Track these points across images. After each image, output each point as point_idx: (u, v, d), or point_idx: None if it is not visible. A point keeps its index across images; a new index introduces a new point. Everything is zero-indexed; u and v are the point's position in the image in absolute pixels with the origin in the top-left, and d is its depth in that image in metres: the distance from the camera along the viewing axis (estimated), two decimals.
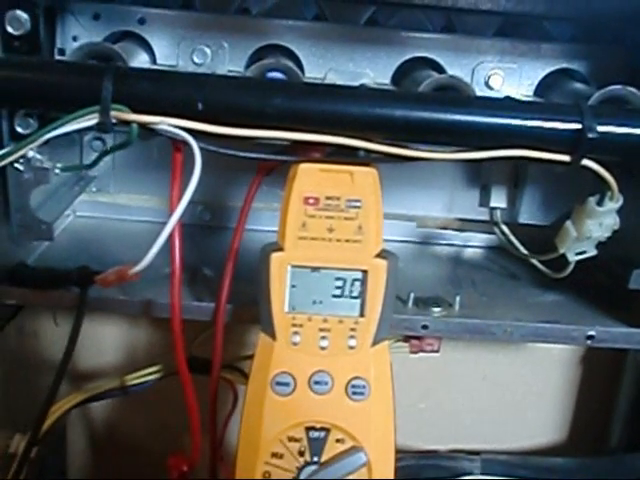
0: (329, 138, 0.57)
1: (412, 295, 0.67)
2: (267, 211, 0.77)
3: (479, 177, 0.79)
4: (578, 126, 0.57)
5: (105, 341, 0.86)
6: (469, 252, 0.82)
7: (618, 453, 0.88)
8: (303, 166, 0.57)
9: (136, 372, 0.70)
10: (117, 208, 0.81)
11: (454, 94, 0.64)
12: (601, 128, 0.57)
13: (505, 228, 0.75)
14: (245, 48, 0.72)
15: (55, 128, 0.54)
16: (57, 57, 0.69)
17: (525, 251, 0.74)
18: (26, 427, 0.66)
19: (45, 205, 0.68)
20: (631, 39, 0.73)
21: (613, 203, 0.61)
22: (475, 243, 0.83)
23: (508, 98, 0.68)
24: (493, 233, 0.78)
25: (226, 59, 0.71)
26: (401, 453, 0.81)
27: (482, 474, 0.81)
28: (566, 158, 0.58)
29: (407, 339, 0.69)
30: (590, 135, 0.56)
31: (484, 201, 0.77)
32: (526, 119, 0.57)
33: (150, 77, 0.57)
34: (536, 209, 0.80)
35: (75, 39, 0.71)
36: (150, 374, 0.69)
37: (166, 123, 0.54)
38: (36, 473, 0.79)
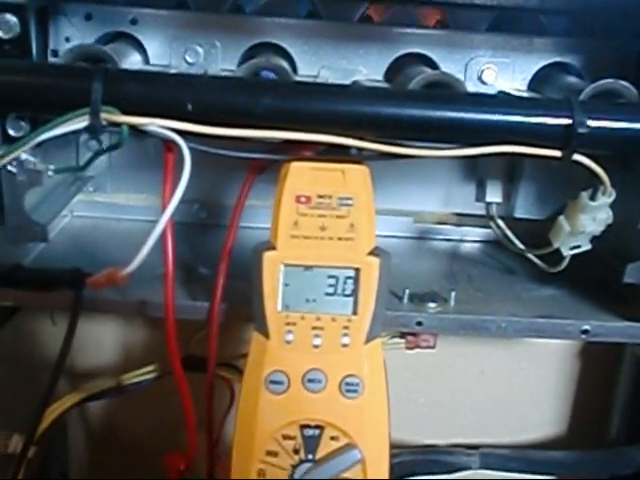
0: (320, 137, 0.57)
1: (407, 291, 0.67)
2: (263, 209, 0.76)
3: (475, 171, 0.79)
4: (568, 121, 0.57)
5: (103, 340, 0.87)
6: (466, 247, 0.82)
7: (617, 445, 0.88)
8: (294, 165, 0.57)
9: (133, 372, 0.70)
10: (114, 207, 0.81)
11: (445, 91, 0.64)
12: (591, 123, 0.57)
13: (501, 222, 0.75)
14: (238, 46, 0.71)
15: (46, 131, 0.54)
16: (50, 58, 0.69)
17: (521, 245, 0.74)
18: (25, 427, 0.66)
19: (40, 206, 0.69)
20: (624, 32, 0.72)
21: (606, 197, 0.61)
22: (472, 238, 0.83)
23: (500, 93, 0.68)
24: (490, 227, 0.78)
25: (219, 58, 0.71)
26: (398, 448, 0.81)
27: (480, 468, 0.81)
28: (557, 153, 0.58)
29: (403, 335, 0.69)
30: (580, 130, 0.56)
31: (480, 196, 0.77)
32: (516, 115, 0.57)
33: (140, 79, 0.57)
34: (531, 203, 0.80)
35: (68, 40, 0.71)
36: (147, 373, 0.70)
37: (156, 124, 0.54)
38: (38, 472, 0.80)
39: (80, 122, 0.54)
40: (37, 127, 0.55)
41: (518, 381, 0.91)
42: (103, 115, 0.54)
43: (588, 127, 0.56)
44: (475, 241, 0.82)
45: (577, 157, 0.58)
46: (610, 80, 0.63)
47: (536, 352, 0.90)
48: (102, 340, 0.87)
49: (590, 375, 0.92)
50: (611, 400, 0.90)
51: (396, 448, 0.82)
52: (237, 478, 0.57)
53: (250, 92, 0.56)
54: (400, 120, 0.57)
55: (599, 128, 0.57)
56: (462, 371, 0.91)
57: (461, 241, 0.83)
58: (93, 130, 0.54)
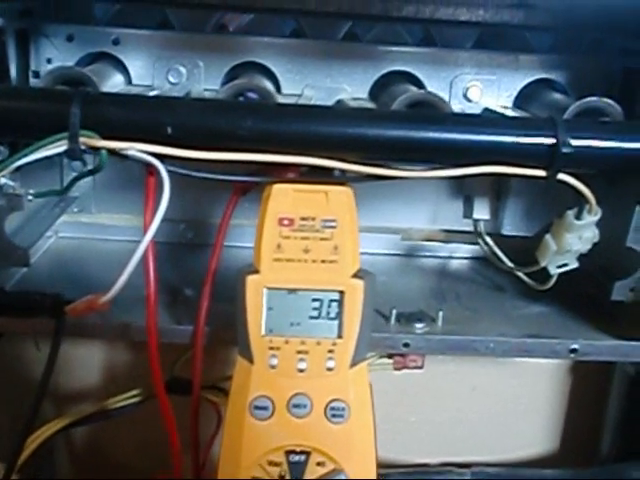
0: (302, 159, 0.56)
1: (394, 311, 0.66)
2: (249, 228, 0.76)
3: (462, 188, 0.78)
4: (552, 141, 0.56)
5: (88, 364, 0.86)
6: (454, 264, 0.82)
7: (609, 463, 0.87)
8: (277, 187, 0.57)
9: (118, 396, 0.69)
10: (99, 228, 0.80)
11: (428, 111, 0.63)
12: (575, 142, 0.56)
13: (489, 239, 0.74)
14: (221, 66, 0.71)
15: (24, 156, 0.53)
16: (31, 80, 0.69)
17: (509, 263, 0.73)
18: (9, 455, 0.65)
19: (22, 229, 0.68)
20: (610, 48, 0.72)
21: (592, 216, 0.61)
22: (460, 254, 0.82)
23: (485, 111, 0.67)
24: (478, 244, 0.77)
25: (202, 78, 0.71)
26: (388, 468, 0.81)
27: None
28: (542, 173, 0.57)
29: (391, 356, 0.69)
30: (564, 150, 0.56)
31: (468, 212, 0.76)
32: (500, 135, 0.57)
33: (119, 102, 0.56)
34: (519, 220, 0.80)
35: (49, 61, 0.70)
36: (131, 397, 0.69)
37: (135, 149, 0.53)
38: None
39: (58, 146, 0.53)
40: (16, 151, 0.54)
41: (509, 398, 0.91)
42: (82, 139, 0.53)
43: (572, 146, 0.56)
44: (463, 258, 0.82)
45: (562, 176, 0.57)
46: (594, 98, 0.63)
47: (527, 369, 0.90)
48: (87, 364, 0.86)
49: (581, 392, 0.91)
50: (602, 417, 0.89)
51: (386, 468, 0.81)
52: None
53: (231, 114, 0.56)
54: (384, 141, 0.56)
55: (583, 147, 0.57)
56: (452, 389, 0.90)
57: (449, 258, 0.82)
58: (72, 154, 0.53)
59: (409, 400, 0.90)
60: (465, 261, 0.82)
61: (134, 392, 0.69)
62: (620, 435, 0.87)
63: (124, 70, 0.71)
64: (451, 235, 0.82)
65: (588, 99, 0.62)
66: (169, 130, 0.54)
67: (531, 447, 0.93)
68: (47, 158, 0.54)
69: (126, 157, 0.54)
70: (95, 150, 0.54)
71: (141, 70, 0.71)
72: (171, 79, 0.70)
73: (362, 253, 0.58)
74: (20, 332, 0.69)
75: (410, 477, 0.80)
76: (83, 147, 0.53)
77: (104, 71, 0.69)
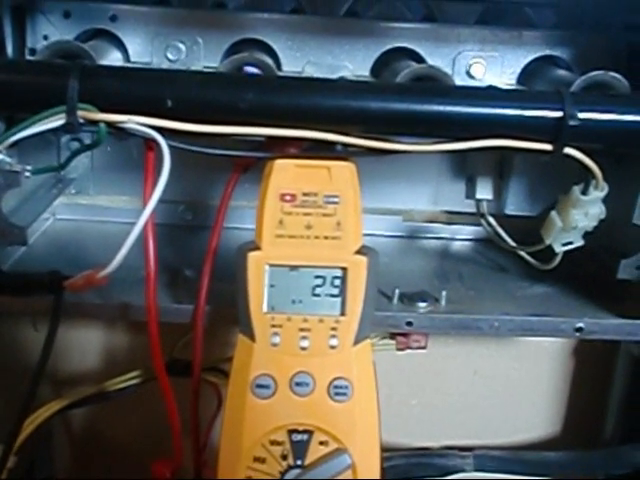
0: (304, 133, 0.55)
1: (397, 291, 0.65)
2: (250, 209, 0.75)
3: (465, 168, 0.78)
4: (559, 114, 0.55)
5: (87, 346, 0.85)
6: (457, 245, 0.81)
7: (612, 445, 0.87)
8: (279, 162, 0.56)
9: (117, 377, 0.68)
10: (97, 210, 0.79)
11: (433, 84, 0.62)
12: (583, 115, 0.55)
13: (492, 220, 0.74)
14: (220, 43, 0.70)
15: (21, 130, 0.52)
16: (28, 57, 0.68)
17: (512, 243, 0.72)
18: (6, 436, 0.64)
19: (19, 209, 0.67)
20: (614, 24, 0.71)
21: (598, 192, 0.60)
22: (463, 236, 0.81)
23: (489, 87, 0.66)
24: (481, 225, 0.76)
25: (201, 55, 0.70)
26: (390, 452, 0.80)
27: (475, 471, 0.80)
28: (548, 147, 0.57)
29: (393, 336, 0.68)
30: (571, 122, 0.55)
31: (470, 193, 0.76)
32: (506, 108, 0.56)
33: (117, 75, 0.55)
34: (522, 200, 0.79)
35: (46, 38, 0.69)
36: (131, 379, 0.68)
37: (134, 122, 0.52)
38: None
39: (56, 120, 0.52)
40: (12, 126, 0.53)
41: (512, 381, 0.90)
42: (80, 113, 0.52)
43: (579, 119, 0.55)
44: (466, 239, 0.81)
45: (568, 150, 0.57)
46: (600, 72, 0.62)
47: (529, 351, 0.89)
48: (86, 346, 0.85)
49: (584, 374, 0.91)
50: (606, 399, 0.89)
51: (388, 451, 0.80)
52: None
53: (232, 87, 0.55)
54: (387, 114, 0.55)
55: (591, 120, 0.56)
56: (455, 372, 0.89)
57: (451, 239, 0.81)
58: (70, 128, 0.52)
59: (410, 383, 0.89)
60: (467, 243, 0.81)
61: (134, 374, 0.68)
62: (624, 418, 0.86)
63: (122, 47, 0.70)
64: (453, 217, 0.81)
65: (594, 73, 0.61)
66: (169, 103, 0.53)
67: (534, 430, 0.92)
68: (45, 132, 0.53)
69: (125, 132, 0.54)
70: (93, 124, 0.53)
71: (139, 47, 0.70)
72: (170, 56, 0.69)
73: (363, 234, 0.57)
74: (18, 312, 0.68)
75: (413, 460, 0.79)
76: (81, 121, 0.52)
77: (102, 48, 0.67)
